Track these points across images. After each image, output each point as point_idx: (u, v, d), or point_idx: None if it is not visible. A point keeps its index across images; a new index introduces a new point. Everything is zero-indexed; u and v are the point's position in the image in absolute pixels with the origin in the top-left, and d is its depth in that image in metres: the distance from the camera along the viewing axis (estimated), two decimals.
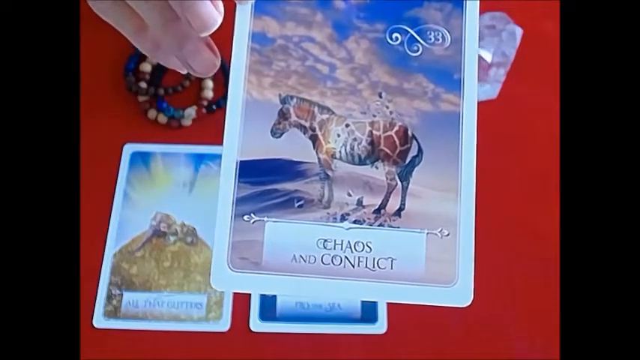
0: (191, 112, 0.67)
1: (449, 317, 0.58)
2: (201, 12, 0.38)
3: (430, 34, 0.40)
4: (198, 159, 0.65)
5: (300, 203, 0.39)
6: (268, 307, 0.59)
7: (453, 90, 0.40)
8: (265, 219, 0.38)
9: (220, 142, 0.64)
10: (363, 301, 0.59)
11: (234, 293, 0.59)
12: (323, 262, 0.38)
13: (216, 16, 0.38)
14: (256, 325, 0.58)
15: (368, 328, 0.58)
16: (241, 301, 0.59)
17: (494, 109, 0.66)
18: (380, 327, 0.58)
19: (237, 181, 0.39)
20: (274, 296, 0.59)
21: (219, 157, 0.64)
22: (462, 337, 0.58)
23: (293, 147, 0.39)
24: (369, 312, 0.59)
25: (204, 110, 0.67)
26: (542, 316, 0.58)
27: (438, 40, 0.40)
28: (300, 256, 0.38)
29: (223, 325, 0.58)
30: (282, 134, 0.39)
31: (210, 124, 0.67)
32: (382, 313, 0.59)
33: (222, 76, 0.69)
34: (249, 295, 0.59)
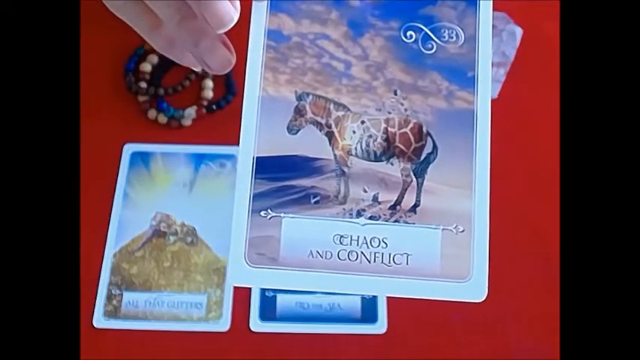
0: (191, 112, 0.67)
1: (449, 317, 0.58)
2: (218, 9, 0.38)
3: (444, 32, 0.41)
4: (198, 159, 0.65)
5: (316, 199, 0.39)
6: (268, 307, 0.59)
7: (467, 88, 0.40)
8: (282, 215, 0.38)
9: (220, 142, 0.65)
10: (362, 301, 0.59)
11: (234, 293, 0.59)
12: (339, 258, 0.38)
13: (233, 13, 0.38)
14: (256, 325, 0.58)
15: (368, 328, 0.58)
16: (241, 301, 0.59)
17: (494, 109, 0.66)
18: (380, 327, 0.58)
19: (254, 177, 0.39)
20: (274, 296, 0.59)
21: (219, 157, 0.66)
22: (462, 337, 0.58)
23: (309, 143, 0.39)
24: (369, 312, 0.59)
25: (204, 110, 0.67)
26: (542, 316, 0.59)
27: (452, 38, 0.40)
28: (317, 251, 0.38)
29: (223, 325, 0.58)
30: (298, 131, 0.40)
31: (210, 124, 0.67)
32: (382, 313, 0.59)
33: (223, 76, 0.69)
34: (249, 295, 0.59)
